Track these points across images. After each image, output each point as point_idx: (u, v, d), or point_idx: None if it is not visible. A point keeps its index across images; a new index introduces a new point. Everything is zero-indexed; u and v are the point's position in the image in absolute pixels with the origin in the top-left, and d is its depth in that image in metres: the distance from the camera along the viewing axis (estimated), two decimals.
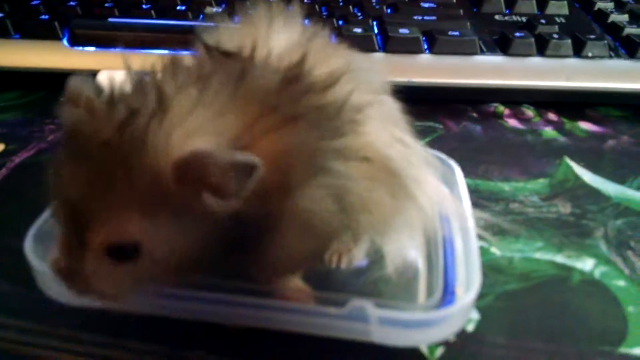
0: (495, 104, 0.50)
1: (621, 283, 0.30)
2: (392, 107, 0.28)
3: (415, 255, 0.30)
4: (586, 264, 0.32)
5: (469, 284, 0.26)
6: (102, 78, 0.45)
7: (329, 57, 0.25)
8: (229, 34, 0.26)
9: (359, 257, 0.30)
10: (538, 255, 0.32)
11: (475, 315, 0.28)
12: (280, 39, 0.25)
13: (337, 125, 0.23)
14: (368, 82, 0.27)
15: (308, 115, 0.22)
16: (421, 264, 0.30)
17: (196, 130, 0.19)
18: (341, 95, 0.23)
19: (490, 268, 0.31)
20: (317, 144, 0.22)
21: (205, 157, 0.19)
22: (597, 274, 0.31)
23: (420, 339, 0.26)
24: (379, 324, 0.25)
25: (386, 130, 0.26)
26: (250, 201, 0.20)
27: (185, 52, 0.47)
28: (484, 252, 0.32)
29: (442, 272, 0.29)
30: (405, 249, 0.29)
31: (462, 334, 0.27)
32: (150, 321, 0.27)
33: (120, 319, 0.27)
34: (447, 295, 0.27)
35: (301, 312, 0.25)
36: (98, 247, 0.20)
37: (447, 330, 0.25)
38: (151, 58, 0.48)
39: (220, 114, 0.20)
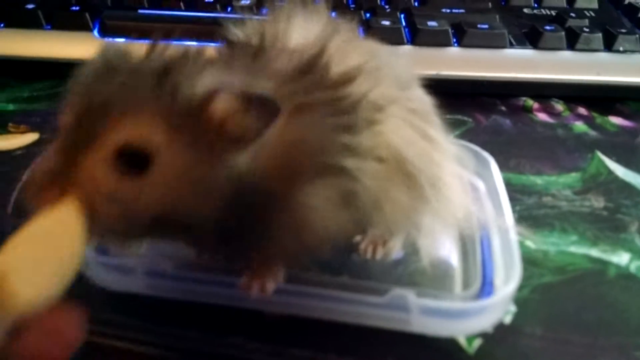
0: (525, 98, 0.49)
1: None
2: (421, 102, 0.28)
3: (450, 249, 0.31)
4: (622, 258, 0.32)
5: (507, 276, 0.26)
6: None
7: (349, 53, 0.25)
8: (252, 28, 0.26)
9: (394, 249, 0.30)
10: (573, 248, 0.32)
11: (512, 307, 0.28)
12: (299, 33, 0.25)
13: (352, 122, 0.22)
14: (393, 78, 0.26)
15: (323, 108, 0.22)
16: (456, 258, 0.31)
17: (226, 78, 0.20)
18: (358, 93, 0.23)
19: (526, 261, 0.31)
20: (330, 138, 0.22)
21: (234, 89, 0.19)
22: (632, 268, 0.31)
23: (460, 329, 0.26)
24: (419, 313, 0.25)
25: (409, 128, 0.25)
26: (258, 177, 0.20)
27: (212, 44, 0.48)
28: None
29: (480, 265, 0.29)
30: (439, 243, 0.30)
31: (499, 326, 0.27)
32: (189, 308, 0.27)
33: (158, 305, 0.27)
34: (486, 287, 0.28)
35: (341, 301, 0.26)
36: (109, 146, 0.19)
37: (486, 321, 0.26)
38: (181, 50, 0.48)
39: (241, 73, 0.21)
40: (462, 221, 0.28)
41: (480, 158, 0.34)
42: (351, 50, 0.25)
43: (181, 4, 0.52)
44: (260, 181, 0.21)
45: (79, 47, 0.48)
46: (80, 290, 0.27)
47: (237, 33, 0.26)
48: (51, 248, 0.18)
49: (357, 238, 0.31)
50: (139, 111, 0.19)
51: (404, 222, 0.27)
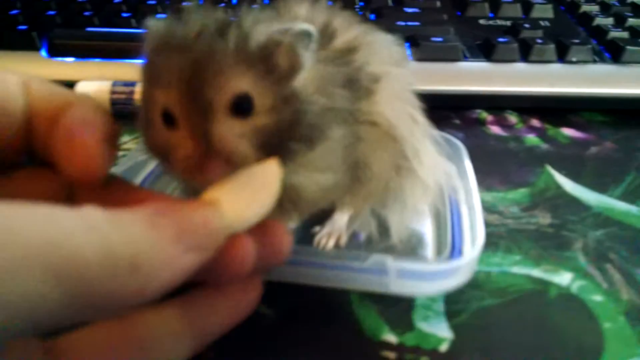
0: (479, 110, 0.49)
1: (598, 298, 0.30)
2: (406, 83, 0.31)
3: (420, 224, 0.34)
4: (563, 278, 0.31)
5: (473, 241, 0.30)
6: (82, 88, 0.45)
7: (349, 29, 0.28)
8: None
9: (344, 240, 0.33)
10: (515, 269, 0.32)
11: (449, 335, 0.28)
12: (305, 15, 0.28)
13: (355, 87, 0.26)
14: (385, 54, 0.30)
15: (335, 65, 0.26)
16: (430, 230, 0.34)
17: (271, 24, 0.23)
18: (359, 61, 0.27)
19: (467, 284, 0.31)
20: (340, 99, 0.25)
21: (281, 30, 0.23)
22: (574, 288, 0.31)
23: (434, 289, 0.29)
24: (396, 276, 0.28)
25: (397, 103, 0.29)
26: (303, 98, 0.24)
27: None
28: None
29: (450, 235, 0.32)
30: (408, 219, 0.32)
31: (435, 355, 0.27)
32: None
33: None
34: (455, 253, 0.31)
35: (327, 267, 0.28)
36: (224, 106, 0.22)
37: (454, 281, 0.28)
38: (131, 68, 0.48)
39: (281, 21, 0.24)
40: (436, 185, 0.32)
41: (452, 144, 0.37)
42: (350, 27, 0.29)
43: (132, 20, 0.51)
44: (307, 102, 0.24)
45: (26, 67, 0.48)
46: None
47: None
48: (251, 183, 0.22)
49: (316, 229, 0.33)
50: (231, 70, 0.22)
51: (385, 184, 0.30)
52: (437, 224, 0.34)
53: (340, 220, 0.33)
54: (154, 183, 0.37)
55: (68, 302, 0.15)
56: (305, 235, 0.33)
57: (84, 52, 0.48)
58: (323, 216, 0.33)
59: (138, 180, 0.37)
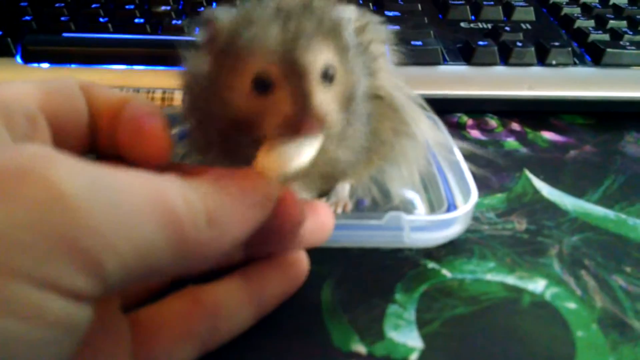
0: (459, 114, 0.49)
1: (572, 305, 0.30)
2: (391, 60, 0.35)
3: (414, 188, 0.37)
4: (537, 285, 0.31)
5: (465, 198, 0.34)
6: None
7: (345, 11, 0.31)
8: None
9: (350, 207, 0.35)
10: (489, 276, 0.32)
11: (419, 344, 0.28)
12: None
13: (365, 65, 0.29)
14: (379, 33, 0.33)
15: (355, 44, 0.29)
16: (420, 194, 0.37)
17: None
18: (367, 40, 0.30)
19: (440, 291, 0.31)
20: (361, 79, 0.29)
21: (341, 15, 0.27)
22: (547, 295, 0.31)
23: (443, 237, 0.32)
24: (411, 229, 0.31)
25: (391, 78, 0.32)
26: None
27: (141, 67, 0.46)
28: (434, 274, 0.32)
29: (444, 193, 0.36)
30: (406, 185, 0.36)
31: None
32: None
33: None
34: (451, 208, 0.34)
35: (346, 228, 0.32)
36: (316, 72, 0.25)
37: (458, 229, 0.33)
38: (108, 74, 0.47)
39: None
40: (428, 152, 0.36)
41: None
42: (346, 9, 0.31)
43: (109, 26, 0.51)
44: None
45: (1, 73, 0.47)
46: None
47: None
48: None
49: (322, 201, 0.35)
50: (314, 41, 0.25)
51: (390, 150, 0.33)
52: (426, 186, 0.38)
53: (343, 190, 0.36)
54: None
55: (169, 249, 0.18)
56: None
57: (59, 58, 0.47)
58: (327, 189, 0.36)
59: None
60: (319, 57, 0.25)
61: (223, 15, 0.26)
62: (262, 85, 0.25)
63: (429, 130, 0.35)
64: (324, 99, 0.25)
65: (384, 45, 0.34)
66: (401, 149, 0.34)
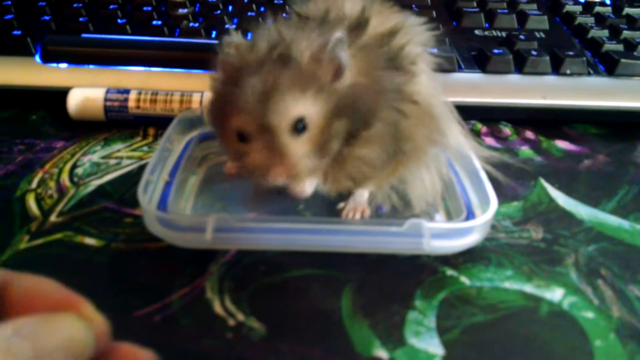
0: (474, 121, 0.49)
1: (590, 315, 0.30)
2: (433, 64, 0.36)
3: (434, 197, 0.37)
4: (555, 294, 0.31)
5: (483, 207, 0.34)
6: (75, 95, 0.45)
7: (388, 16, 0.34)
8: (313, 5, 0.35)
9: (368, 213, 0.36)
10: (507, 284, 0.32)
11: (440, 351, 0.28)
12: (349, 6, 0.33)
13: (397, 69, 0.31)
14: (420, 37, 0.34)
15: (376, 49, 0.31)
16: (439, 202, 0.37)
17: (314, 39, 0.29)
18: (398, 44, 0.32)
19: (459, 299, 0.31)
20: (386, 80, 0.31)
21: (324, 42, 0.28)
22: (565, 304, 0.31)
23: (459, 246, 0.33)
24: (430, 237, 0.32)
25: (431, 84, 0.34)
26: (357, 87, 0.29)
27: (160, 69, 0.46)
28: (453, 281, 0.32)
29: (463, 202, 0.36)
30: (426, 194, 0.36)
31: None
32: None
33: None
34: (470, 216, 0.35)
35: (365, 233, 0.33)
36: (285, 128, 0.28)
37: (476, 238, 0.33)
38: (125, 75, 0.47)
39: (323, 33, 0.29)
40: (462, 153, 0.38)
41: None
42: (387, 15, 0.34)
43: (127, 27, 0.51)
44: (358, 92, 0.29)
45: (19, 73, 0.47)
46: None
47: (304, 8, 0.35)
48: None
49: (340, 205, 0.37)
50: (288, 95, 0.28)
51: (423, 153, 0.35)
52: (444, 194, 0.38)
53: (362, 196, 0.37)
54: None
55: None
56: (332, 212, 0.37)
57: (78, 59, 0.48)
58: (346, 195, 0.37)
59: None
60: (288, 114, 0.28)
61: (227, 51, 0.30)
62: (242, 137, 0.29)
63: (464, 139, 0.37)
64: (292, 150, 0.28)
65: (424, 47, 0.35)
66: (430, 157, 0.36)
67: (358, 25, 0.32)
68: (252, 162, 0.29)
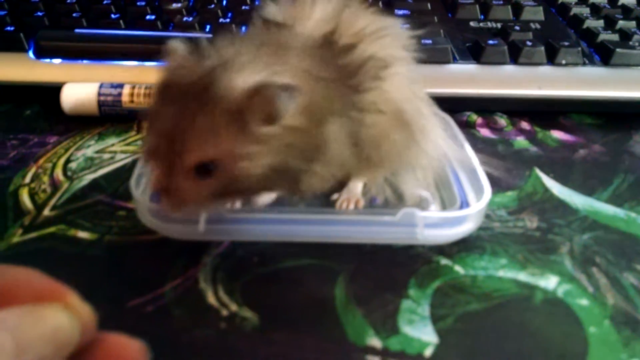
0: (469, 113, 0.49)
1: (584, 302, 0.30)
2: (412, 64, 0.34)
3: (427, 189, 0.37)
4: (549, 282, 0.31)
5: (478, 196, 0.34)
6: (69, 90, 0.45)
7: (355, 21, 0.32)
8: (281, 10, 0.33)
9: (362, 204, 0.36)
10: (501, 273, 0.32)
11: (434, 339, 0.28)
12: (317, 12, 0.32)
13: (357, 82, 0.30)
14: (393, 39, 0.33)
15: (332, 76, 0.29)
16: (432, 192, 0.37)
17: (251, 73, 0.26)
18: (363, 55, 0.30)
19: (453, 287, 0.31)
20: (342, 97, 0.29)
21: (257, 86, 0.25)
22: (560, 292, 0.31)
23: (456, 234, 0.33)
24: (423, 226, 0.32)
25: (405, 87, 0.32)
26: (293, 131, 0.27)
27: (153, 63, 0.46)
28: (447, 270, 0.32)
29: (457, 191, 0.36)
30: (419, 186, 0.36)
31: (420, 359, 0.27)
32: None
33: None
34: (464, 206, 0.35)
35: (359, 223, 0.33)
36: (187, 167, 0.26)
37: (470, 227, 0.33)
38: (119, 70, 0.47)
39: (267, 64, 0.27)
40: (440, 161, 0.36)
41: (439, 117, 0.40)
42: (357, 19, 0.32)
43: (121, 22, 0.51)
44: (300, 130, 0.27)
45: (13, 68, 0.47)
46: None
47: (271, 12, 0.33)
48: None
49: (334, 196, 0.36)
50: (199, 133, 0.26)
51: (396, 160, 0.34)
52: (438, 184, 0.38)
53: (356, 187, 0.36)
54: None
55: None
56: (326, 203, 0.36)
57: (71, 54, 0.48)
58: (340, 185, 0.36)
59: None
60: (192, 155, 0.26)
61: (168, 64, 0.28)
62: (148, 155, 0.28)
63: (441, 143, 0.36)
64: (187, 191, 0.27)
65: (401, 49, 0.34)
66: (413, 157, 0.35)
67: (323, 44, 0.30)
68: (152, 182, 0.28)
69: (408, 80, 0.33)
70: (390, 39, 0.33)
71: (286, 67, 0.28)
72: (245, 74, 0.26)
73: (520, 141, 0.45)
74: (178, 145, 0.26)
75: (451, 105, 0.48)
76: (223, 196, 0.29)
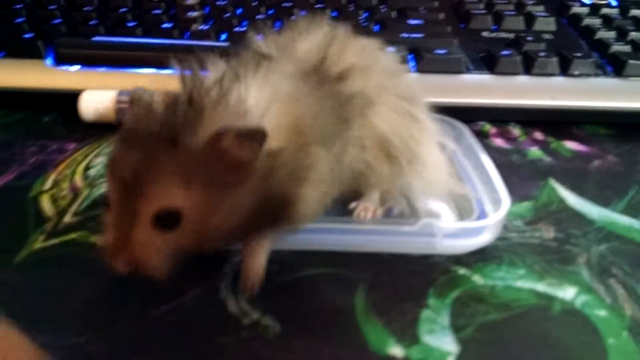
0: (482, 123, 0.49)
1: (602, 313, 0.30)
2: (408, 87, 0.34)
3: (442, 199, 0.37)
4: (567, 293, 0.32)
5: (495, 206, 0.34)
6: (87, 97, 0.45)
7: (344, 53, 0.31)
8: (268, 42, 0.32)
9: (379, 213, 0.36)
10: (519, 283, 0.32)
11: (455, 349, 0.28)
12: (305, 43, 0.31)
13: (345, 116, 0.29)
14: (383, 70, 0.32)
15: (319, 101, 0.28)
16: (449, 203, 0.37)
17: (217, 116, 0.24)
18: (351, 89, 0.29)
19: (472, 297, 0.31)
20: (324, 123, 0.28)
21: (224, 132, 0.23)
22: (578, 303, 0.31)
23: (474, 244, 0.33)
24: (442, 236, 0.32)
25: (395, 114, 0.32)
26: (277, 154, 0.25)
27: (170, 72, 0.47)
28: (465, 280, 0.32)
29: (475, 202, 0.36)
30: (433, 197, 0.36)
31: None
32: None
33: None
34: (482, 216, 0.35)
35: (378, 233, 0.33)
36: (147, 216, 0.24)
37: (489, 237, 0.34)
38: (136, 77, 0.48)
39: (239, 102, 0.25)
40: (439, 182, 0.35)
41: (453, 126, 0.42)
42: (345, 51, 0.31)
43: (138, 30, 0.52)
44: (286, 152, 0.26)
45: (32, 75, 0.48)
46: None
47: (259, 44, 0.31)
48: None
49: (352, 205, 0.36)
50: (161, 179, 0.23)
51: (390, 187, 0.34)
52: (455, 195, 0.37)
53: (371, 197, 0.36)
54: None
55: None
56: (343, 211, 0.36)
57: (89, 61, 0.48)
58: (357, 193, 0.36)
59: None
60: (153, 201, 0.24)
61: (131, 111, 0.26)
62: (106, 202, 0.25)
63: (436, 166, 0.35)
64: (146, 246, 0.24)
65: (388, 78, 0.33)
66: (406, 183, 0.34)
67: (311, 71, 0.29)
68: (104, 234, 0.25)
69: (398, 107, 0.32)
70: (378, 73, 0.32)
71: (263, 98, 0.26)
72: (212, 117, 0.24)
73: (534, 151, 0.46)
74: (137, 191, 0.24)
75: (465, 115, 0.49)
76: (189, 250, 0.26)
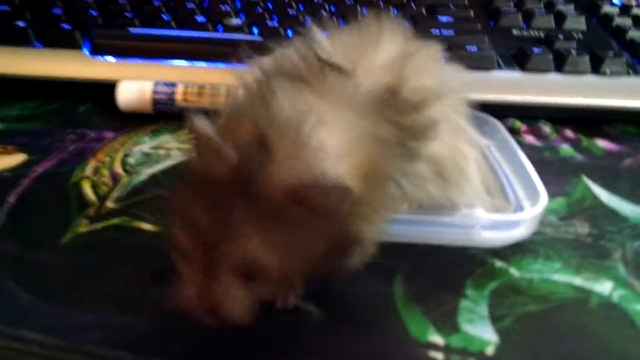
0: (513, 119, 0.50)
1: (639, 307, 0.31)
2: (460, 100, 0.33)
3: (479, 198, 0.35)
4: (604, 287, 0.32)
5: (531, 199, 0.35)
6: (124, 88, 0.46)
7: (421, 76, 0.29)
8: (337, 49, 0.29)
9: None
10: (556, 276, 0.32)
11: (494, 338, 0.28)
12: (380, 56, 0.29)
13: (414, 151, 0.28)
14: (454, 100, 0.32)
15: (392, 136, 0.26)
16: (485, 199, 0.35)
17: (293, 165, 0.23)
18: (428, 121, 0.28)
19: (510, 289, 0.31)
20: (394, 165, 0.27)
21: (303, 186, 0.22)
22: (615, 297, 0.31)
23: (510, 238, 0.34)
24: (482, 228, 0.33)
25: (453, 133, 0.31)
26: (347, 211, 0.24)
27: (204, 64, 0.47)
28: (502, 272, 0.32)
29: (512, 195, 0.37)
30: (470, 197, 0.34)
31: (482, 357, 0.27)
32: None
33: None
34: (517, 209, 0.35)
35: (417, 223, 0.33)
36: (230, 270, 0.23)
37: (527, 231, 0.34)
38: (170, 69, 0.48)
39: (319, 149, 0.24)
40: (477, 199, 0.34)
41: (488, 122, 0.43)
42: (423, 74, 0.30)
43: (172, 23, 0.52)
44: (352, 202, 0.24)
45: (68, 65, 0.48)
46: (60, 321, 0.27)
47: (326, 50, 0.28)
48: None
49: None
50: (241, 235, 0.23)
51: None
52: (490, 190, 0.37)
53: None
54: None
55: None
56: None
57: (125, 52, 0.49)
58: None
59: None
60: (237, 255, 0.23)
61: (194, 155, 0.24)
62: (178, 252, 0.24)
63: (475, 199, 0.34)
64: (230, 299, 0.23)
65: (455, 109, 0.32)
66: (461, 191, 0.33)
67: (386, 101, 0.27)
68: (184, 287, 0.24)
69: (454, 125, 0.32)
70: (452, 102, 0.32)
71: (341, 143, 0.24)
72: (288, 165, 0.23)
73: (566, 148, 0.46)
74: (218, 247, 0.23)
75: (495, 112, 0.49)
76: (270, 296, 0.26)
